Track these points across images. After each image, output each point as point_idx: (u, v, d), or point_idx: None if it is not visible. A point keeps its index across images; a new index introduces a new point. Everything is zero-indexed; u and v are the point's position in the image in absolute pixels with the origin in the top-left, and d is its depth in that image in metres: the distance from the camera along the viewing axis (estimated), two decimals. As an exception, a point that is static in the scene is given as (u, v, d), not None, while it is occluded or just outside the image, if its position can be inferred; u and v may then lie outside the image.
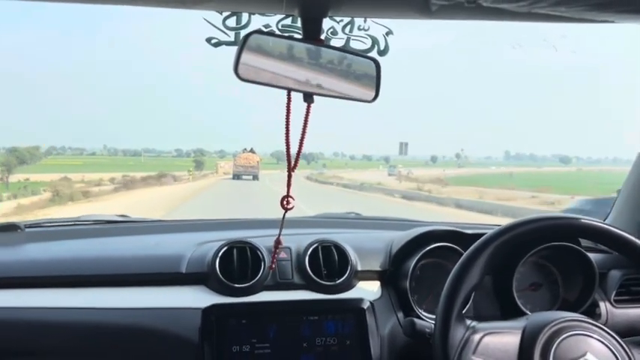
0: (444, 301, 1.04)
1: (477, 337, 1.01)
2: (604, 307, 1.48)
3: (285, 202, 1.21)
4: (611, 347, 1.00)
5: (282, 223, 1.25)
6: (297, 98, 1.05)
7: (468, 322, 1.05)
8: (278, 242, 1.33)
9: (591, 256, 1.47)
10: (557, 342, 0.99)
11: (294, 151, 1.11)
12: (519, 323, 1.05)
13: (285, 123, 1.08)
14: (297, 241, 1.45)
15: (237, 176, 30.59)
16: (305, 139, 1.11)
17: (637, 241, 1.07)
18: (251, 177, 29.98)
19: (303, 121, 1.09)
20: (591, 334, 1.01)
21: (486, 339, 1.01)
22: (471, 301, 1.43)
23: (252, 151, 33.11)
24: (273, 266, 1.38)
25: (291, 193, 1.19)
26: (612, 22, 1.04)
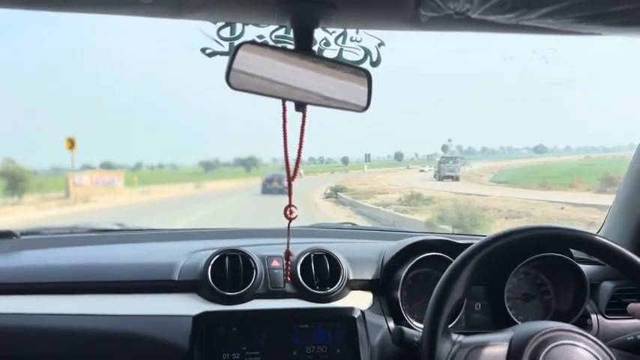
0: (430, 314, 1.04)
1: (463, 352, 1.01)
2: (595, 318, 1.48)
3: (288, 212, 1.22)
4: (599, 356, 1.00)
5: (288, 233, 1.25)
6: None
7: (455, 336, 1.04)
8: (288, 254, 1.34)
9: (583, 267, 1.48)
10: (544, 352, 0.99)
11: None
12: (506, 335, 1.05)
13: (282, 132, 1.10)
14: (291, 250, 1.46)
15: None
16: (302, 149, 1.12)
17: (628, 253, 1.07)
18: None
19: (299, 131, 1.10)
20: (578, 344, 1.01)
21: (473, 353, 1.01)
22: (462, 311, 1.43)
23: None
24: (288, 278, 1.39)
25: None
26: (599, 34, 1.05)
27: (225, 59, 1.04)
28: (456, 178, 25.63)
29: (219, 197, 21.47)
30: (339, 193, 19.61)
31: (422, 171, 36.84)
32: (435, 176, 28.19)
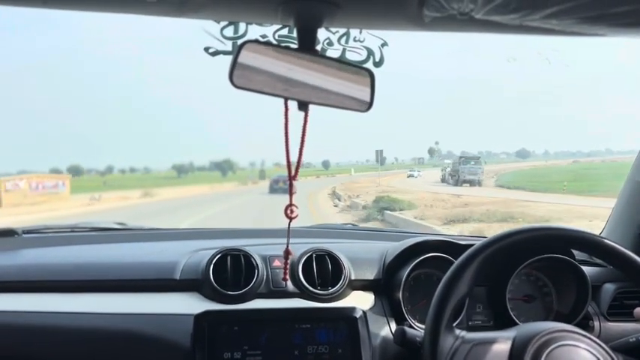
0: (433, 310, 1.04)
1: (466, 347, 1.01)
2: (597, 320, 1.48)
3: (288, 211, 1.21)
4: (601, 358, 1.00)
5: (288, 233, 1.26)
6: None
7: (458, 332, 1.05)
8: (287, 252, 1.34)
9: (585, 269, 1.48)
10: (546, 352, 0.99)
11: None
12: (509, 333, 1.05)
13: (284, 131, 1.09)
14: (292, 249, 1.46)
15: None
16: (304, 148, 1.12)
17: (630, 254, 1.07)
18: None
19: (301, 130, 1.10)
20: (580, 345, 1.01)
21: (476, 349, 1.01)
22: (464, 312, 1.43)
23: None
24: (287, 277, 1.39)
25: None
26: (603, 35, 1.05)
27: (226, 58, 1.04)
28: (479, 183, 20.95)
29: (181, 207, 18.12)
30: (388, 212, 12.07)
31: (411, 176, 32.83)
32: (443, 180, 24.70)
